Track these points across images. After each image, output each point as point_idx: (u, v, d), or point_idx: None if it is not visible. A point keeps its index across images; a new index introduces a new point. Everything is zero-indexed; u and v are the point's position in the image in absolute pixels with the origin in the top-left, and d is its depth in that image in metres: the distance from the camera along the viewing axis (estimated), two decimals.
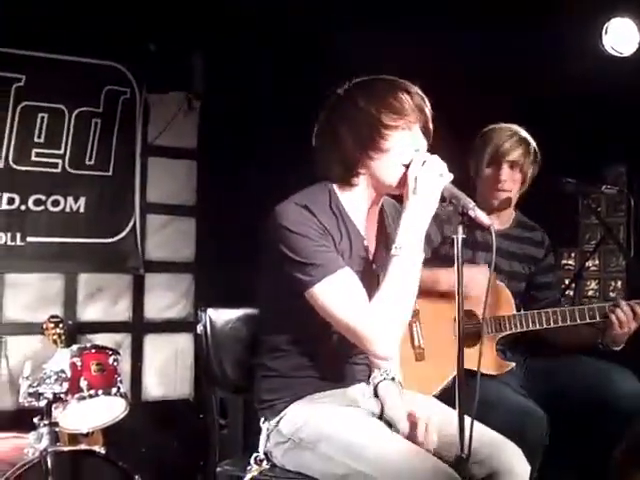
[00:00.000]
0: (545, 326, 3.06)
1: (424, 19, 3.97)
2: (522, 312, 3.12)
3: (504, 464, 2.27)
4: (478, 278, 2.87)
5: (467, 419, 2.05)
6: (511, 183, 3.16)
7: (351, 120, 2.28)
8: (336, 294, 2.19)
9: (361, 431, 2.22)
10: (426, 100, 2.32)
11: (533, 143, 3.18)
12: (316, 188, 2.35)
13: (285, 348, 2.34)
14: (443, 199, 2.21)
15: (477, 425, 2.25)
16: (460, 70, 3.81)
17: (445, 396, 2.64)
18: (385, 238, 2.45)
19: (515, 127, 3.19)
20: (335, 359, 2.37)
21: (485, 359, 2.93)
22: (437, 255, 3.17)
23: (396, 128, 2.26)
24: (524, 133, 3.18)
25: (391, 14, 4.01)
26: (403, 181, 2.27)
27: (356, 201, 2.35)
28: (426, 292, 3.02)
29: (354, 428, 2.23)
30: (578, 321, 3.04)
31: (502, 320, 3.09)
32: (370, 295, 2.26)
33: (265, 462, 2.36)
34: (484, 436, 2.28)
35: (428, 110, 2.32)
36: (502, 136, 3.16)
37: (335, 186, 2.35)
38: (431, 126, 2.33)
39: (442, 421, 2.33)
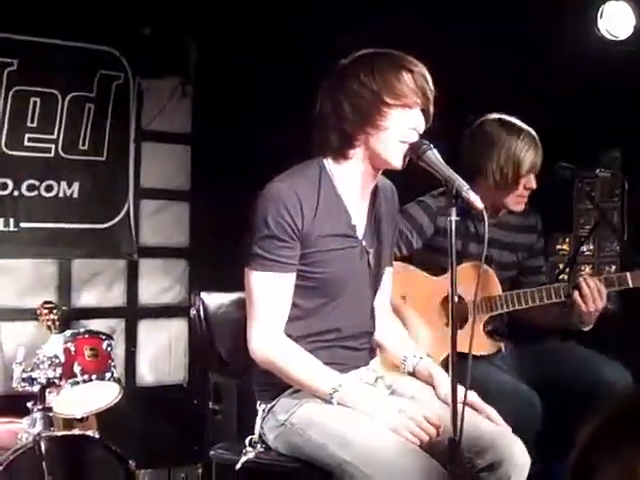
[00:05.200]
0: (530, 304, 3.07)
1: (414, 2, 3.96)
2: (507, 292, 3.12)
3: (505, 454, 2.26)
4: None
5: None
6: None
7: (352, 93, 2.28)
8: (264, 289, 2.27)
9: (349, 421, 2.22)
10: (429, 81, 2.31)
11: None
12: (307, 165, 2.36)
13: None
14: (438, 181, 2.21)
15: (478, 416, 2.27)
16: (455, 56, 3.79)
17: None
18: (375, 217, 2.45)
19: (527, 129, 3.11)
20: (334, 345, 2.37)
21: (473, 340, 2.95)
22: (430, 246, 3.17)
23: (395, 107, 2.27)
24: (534, 133, 3.12)
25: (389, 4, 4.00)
26: (399, 156, 2.28)
27: (350, 175, 2.36)
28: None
29: (343, 417, 2.23)
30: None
31: (487, 301, 3.10)
32: (360, 272, 2.33)
33: (260, 445, 2.37)
34: (485, 426, 2.29)
35: (430, 92, 2.30)
36: (535, 147, 3.09)
37: (329, 160, 2.35)
38: (432, 108, 2.33)
39: (435, 403, 2.34)
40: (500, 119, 3.15)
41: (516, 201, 3.16)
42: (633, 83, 3.75)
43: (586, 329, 3.05)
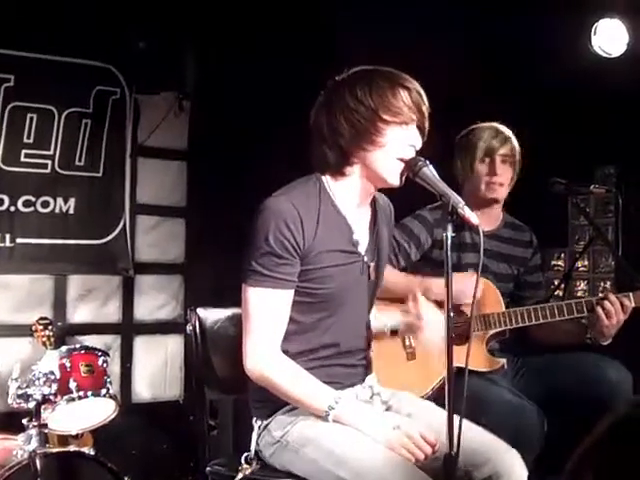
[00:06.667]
0: (534, 322, 3.07)
1: (412, 13, 3.97)
2: (510, 309, 3.13)
3: (503, 467, 2.25)
4: (469, 285, 2.83)
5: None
6: (505, 177, 3.19)
7: (348, 109, 2.28)
8: (261, 305, 2.26)
9: (345, 438, 2.22)
10: (424, 98, 2.32)
11: (515, 140, 3.20)
12: (305, 181, 2.36)
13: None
14: (433, 196, 2.22)
15: (476, 428, 2.26)
16: (447, 69, 3.81)
17: (439, 394, 2.65)
18: (377, 232, 2.45)
19: (498, 125, 3.22)
20: (331, 362, 2.37)
21: (475, 357, 2.95)
22: (427, 258, 3.18)
23: (392, 124, 2.27)
24: (507, 131, 3.21)
25: (388, 9, 4.01)
26: (397, 174, 2.29)
27: (348, 191, 2.36)
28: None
29: (338, 434, 2.23)
30: (566, 316, 3.04)
31: (490, 318, 3.10)
32: (359, 286, 2.34)
33: (256, 462, 2.37)
34: (484, 440, 2.29)
35: (425, 108, 2.32)
36: (490, 133, 3.19)
37: (327, 177, 2.35)
38: (427, 125, 2.34)
39: (433, 421, 2.33)
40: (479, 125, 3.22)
41: (486, 188, 3.18)
42: (627, 99, 3.77)
43: (605, 343, 3.05)
